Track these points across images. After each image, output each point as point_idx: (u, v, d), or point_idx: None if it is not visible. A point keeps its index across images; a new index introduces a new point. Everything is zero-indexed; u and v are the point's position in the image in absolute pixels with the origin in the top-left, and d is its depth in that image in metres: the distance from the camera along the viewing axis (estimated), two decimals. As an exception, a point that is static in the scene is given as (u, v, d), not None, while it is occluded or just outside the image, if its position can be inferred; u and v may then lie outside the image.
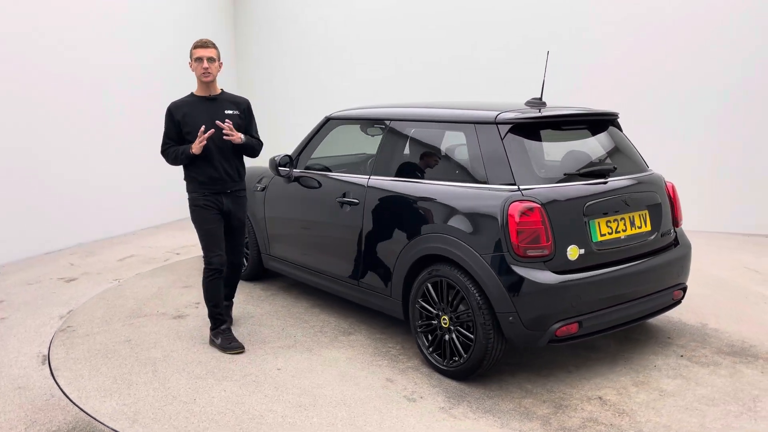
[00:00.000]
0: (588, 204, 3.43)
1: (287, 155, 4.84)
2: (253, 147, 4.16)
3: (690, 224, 7.77)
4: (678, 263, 3.88)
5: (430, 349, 3.69)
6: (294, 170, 4.84)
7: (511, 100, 4.54)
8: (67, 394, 3.41)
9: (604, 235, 3.50)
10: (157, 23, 8.18)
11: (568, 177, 3.55)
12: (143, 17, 7.94)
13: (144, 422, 3.12)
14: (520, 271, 3.26)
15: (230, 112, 4.04)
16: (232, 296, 4.49)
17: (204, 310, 4.49)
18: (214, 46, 3.97)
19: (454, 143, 3.83)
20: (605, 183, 3.60)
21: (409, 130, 4.14)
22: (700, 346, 3.99)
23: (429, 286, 3.64)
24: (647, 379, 3.54)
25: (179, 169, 4.13)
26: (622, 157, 3.97)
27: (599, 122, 4.09)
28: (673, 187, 4.06)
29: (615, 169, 3.69)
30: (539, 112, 3.78)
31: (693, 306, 4.71)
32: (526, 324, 3.26)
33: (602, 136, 4.04)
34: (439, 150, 3.99)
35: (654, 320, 4.47)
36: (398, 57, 8.94)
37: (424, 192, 3.78)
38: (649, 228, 3.74)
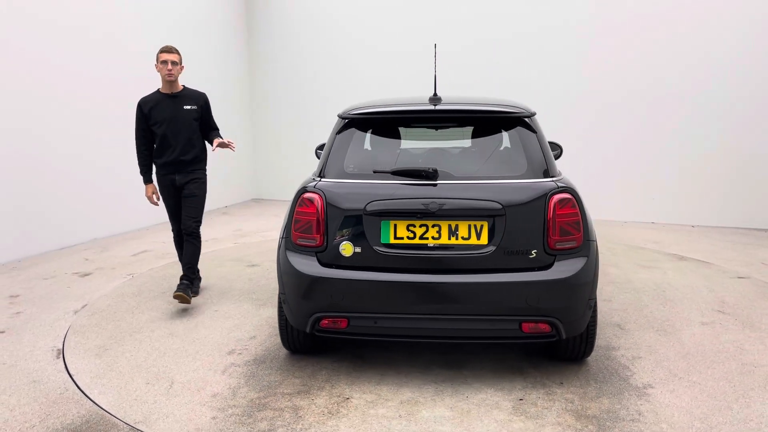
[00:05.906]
0: (371, 204, 3.31)
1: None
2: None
3: (705, 220, 8.10)
4: (534, 290, 3.22)
5: None
6: None
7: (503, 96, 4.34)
8: (81, 387, 3.46)
9: (401, 238, 3.31)
10: (173, 26, 8.47)
11: (377, 175, 3.45)
12: (159, 20, 8.25)
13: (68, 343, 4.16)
14: (291, 257, 3.43)
15: (188, 107, 4.81)
16: (190, 272, 4.87)
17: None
18: (177, 51, 4.75)
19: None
20: (415, 185, 3.35)
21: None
22: (575, 400, 3.23)
23: None
24: (425, 402, 3.22)
25: None
26: (486, 159, 3.55)
27: (485, 120, 3.69)
28: (560, 202, 3.27)
29: (434, 171, 3.36)
30: (434, 107, 3.71)
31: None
32: (291, 308, 3.44)
33: (484, 137, 3.67)
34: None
35: (595, 362, 3.71)
36: (410, 50, 9.22)
37: None
38: (484, 241, 3.28)
